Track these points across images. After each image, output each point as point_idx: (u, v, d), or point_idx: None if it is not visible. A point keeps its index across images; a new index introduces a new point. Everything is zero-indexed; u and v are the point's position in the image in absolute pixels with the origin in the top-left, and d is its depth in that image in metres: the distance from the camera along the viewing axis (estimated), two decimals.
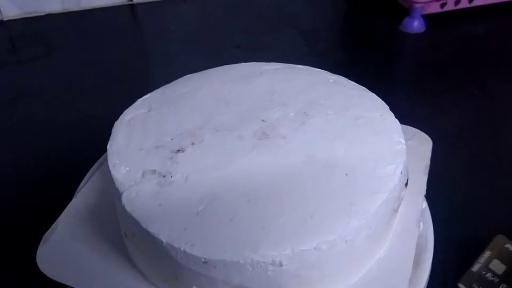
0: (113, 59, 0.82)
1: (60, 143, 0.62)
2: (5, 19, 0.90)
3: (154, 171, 0.36)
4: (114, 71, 0.78)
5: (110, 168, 0.37)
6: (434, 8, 0.84)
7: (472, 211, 0.50)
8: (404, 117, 0.43)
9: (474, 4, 0.85)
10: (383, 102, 0.44)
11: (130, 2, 0.95)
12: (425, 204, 0.43)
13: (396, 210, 0.38)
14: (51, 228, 0.41)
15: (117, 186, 0.36)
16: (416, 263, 0.38)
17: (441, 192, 0.47)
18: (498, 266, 0.42)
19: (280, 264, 0.31)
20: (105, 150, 0.51)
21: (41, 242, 0.40)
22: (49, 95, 0.72)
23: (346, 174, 0.36)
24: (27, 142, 0.63)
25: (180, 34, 0.87)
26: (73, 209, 0.43)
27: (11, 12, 0.90)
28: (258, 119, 0.40)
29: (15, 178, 0.57)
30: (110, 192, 0.42)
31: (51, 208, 0.45)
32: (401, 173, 0.37)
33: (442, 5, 0.84)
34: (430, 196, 0.44)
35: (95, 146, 0.55)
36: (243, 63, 0.49)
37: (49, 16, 0.92)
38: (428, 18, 0.83)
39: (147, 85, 0.76)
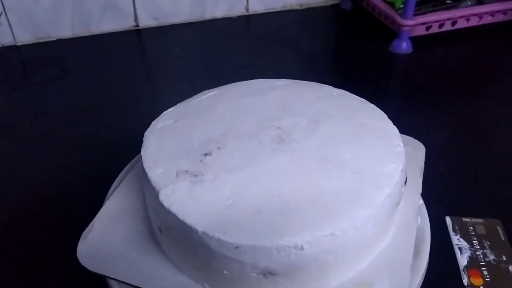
0: (122, 80, 0.87)
1: (82, 156, 0.67)
2: (18, 44, 0.95)
3: (186, 172, 0.41)
4: (123, 92, 0.83)
5: (146, 170, 0.42)
6: (420, 30, 0.91)
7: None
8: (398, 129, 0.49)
9: (456, 26, 0.93)
10: (382, 112, 0.49)
11: (137, 28, 1.01)
12: (421, 201, 0.49)
13: (397, 204, 0.43)
14: (89, 226, 0.45)
15: (153, 185, 0.41)
16: (416, 252, 0.43)
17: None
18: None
19: (302, 248, 0.36)
20: (125, 160, 0.56)
21: (81, 239, 0.44)
22: (64, 114, 0.77)
23: (355, 172, 0.41)
24: (51, 157, 0.67)
25: (185, 56, 0.93)
26: (107, 210, 0.47)
27: (24, 37, 0.95)
28: (274, 127, 0.46)
29: (47, 188, 0.62)
30: (141, 194, 0.47)
31: (83, 212, 0.49)
32: (401, 171, 0.43)
33: (427, 28, 0.91)
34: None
35: (115, 157, 0.59)
36: (254, 79, 0.55)
37: (60, 41, 0.97)
38: (415, 40, 0.91)
39: (155, 104, 0.82)
